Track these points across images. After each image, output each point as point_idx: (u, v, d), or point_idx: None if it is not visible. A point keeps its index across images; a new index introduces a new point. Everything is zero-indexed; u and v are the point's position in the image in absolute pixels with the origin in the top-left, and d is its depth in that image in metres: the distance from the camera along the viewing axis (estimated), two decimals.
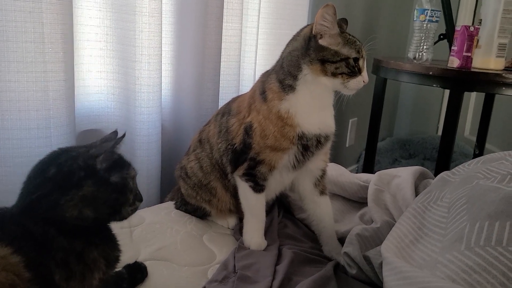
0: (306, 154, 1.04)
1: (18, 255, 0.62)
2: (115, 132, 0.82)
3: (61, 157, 0.72)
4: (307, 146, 1.02)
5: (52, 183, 0.69)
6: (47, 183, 0.70)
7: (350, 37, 1.00)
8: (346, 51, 0.97)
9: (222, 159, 1.12)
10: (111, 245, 0.78)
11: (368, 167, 2.26)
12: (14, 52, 0.99)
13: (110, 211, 0.74)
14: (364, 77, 0.99)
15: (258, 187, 1.06)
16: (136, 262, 0.90)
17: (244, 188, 1.08)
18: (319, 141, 1.03)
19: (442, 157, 1.83)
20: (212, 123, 1.18)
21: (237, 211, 1.17)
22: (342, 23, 1.04)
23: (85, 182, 0.70)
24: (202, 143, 1.19)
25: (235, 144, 1.08)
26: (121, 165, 0.76)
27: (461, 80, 1.73)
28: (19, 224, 0.67)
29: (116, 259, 0.78)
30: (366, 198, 1.24)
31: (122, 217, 0.77)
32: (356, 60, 0.97)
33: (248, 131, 1.05)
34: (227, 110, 1.16)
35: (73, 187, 0.69)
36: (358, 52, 0.98)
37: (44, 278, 0.64)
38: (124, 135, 0.77)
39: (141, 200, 0.81)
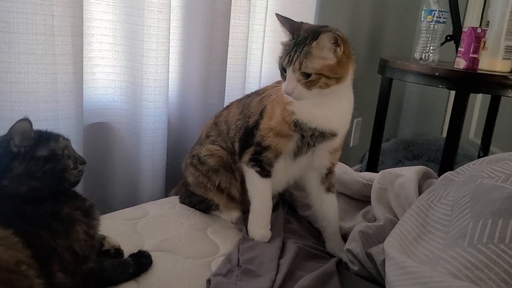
0: (304, 142, 1.06)
1: (16, 236, 0.67)
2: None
3: None
4: (303, 135, 1.05)
5: None
6: None
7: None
8: None
9: (235, 136, 1.16)
10: (79, 198, 0.87)
11: (372, 168, 2.27)
12: (24, 44, 1.00)
13: (57, 179, 0.83)
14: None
15: (264, 172, 1.09)
16: (140, 250, 0.92)
17: (251, 175, 1.10)
18: (313, 134, 1.05)
19: (446, 159, 1.83)
20: (234, 106, 1.22)
21: (242, 204, 1.18)
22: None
23: (13, 164, 0.79)
24: (218, 125, 1.23)
25: (249, 122, 1.12)
26: (46, 139, 0.85)
27: (467, 82, 1.74)
28: None
29: (91, 207, 0.86)
30: (369, 196, 1.24)
31: (71, 182, 0.86)
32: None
33: (262, 111, 1.10)
34: (254, 92, 1.21)
35: (6, 171, 0.79)
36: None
37: (40, 251, 0.69)
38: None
39: (83, 162, 0.89)
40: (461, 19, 2.15)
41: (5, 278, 0.61)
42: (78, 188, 0.92)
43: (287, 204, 1.32)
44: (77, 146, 1.08)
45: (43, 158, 0.82)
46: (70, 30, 1.06)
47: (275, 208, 1.22)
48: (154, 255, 0.93)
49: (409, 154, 2.89)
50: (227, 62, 1.53)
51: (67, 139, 0.89)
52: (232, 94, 1.60)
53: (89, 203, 0.87)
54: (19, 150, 0.80)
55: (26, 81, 1.02)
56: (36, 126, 1.05)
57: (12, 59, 0.99)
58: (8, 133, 0.81)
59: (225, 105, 1.51)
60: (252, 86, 1.71)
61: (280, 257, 0.99)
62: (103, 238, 0.92)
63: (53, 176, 0.83)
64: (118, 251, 0.92)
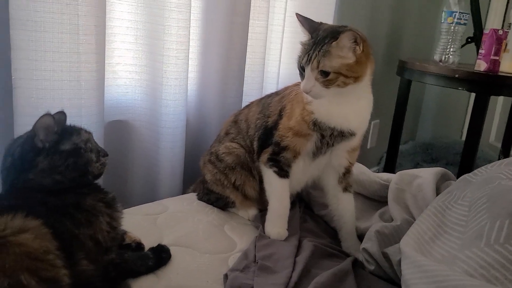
0: (324, 142, 1.07)
1: (45, 227, 0.70)
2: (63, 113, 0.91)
3: (13, 147, 0.85)
4: (322, 134, 1.06)
5: (14, 170, 0.82)
6: (11, 171, 0.83)
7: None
8: None
9: (255, 135, 1.17)
10: (102, 191, 0.89)
11: (389, 170, 2.25)
12: (50, 42, 1.03)
13: (80, 172, 0.86)
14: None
15: (282, 172, 1.10)
16: (159, 244, 0.94)
17: (269, 175, 1.11)
18: (332, 134, 1.05)
19: (465, 162, 1.81)
20: (255, 105, 1.24)
21: (259, 202, 1.20)
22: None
23: (38, 159, 0.82)
24: (237, 123, 1.25)
25: (269, 122, 1.14)
26: (69, 133, 0.87)
27: (487, 84, 1.72)
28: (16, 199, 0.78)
29: (114, 199, 0.88)
30: (387, 197, 1.24)
31: (95, 174, 0.89)
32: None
33: (281, 111, 1.11)
34: (274, 92, 1.23)
35: (31, 166, 0.81)
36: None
37: (66, 241, 0.72)
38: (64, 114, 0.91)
39: (105, 155, 0.91)
40: (483, 21, 2.12)
41: (33, 266, 0.63)
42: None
43: (304, 202, 1.32)
44: (98, 142, 1.11)
45: (66, 152, 0.84)
46: (94, 29, 1.09)
47: (291, 206, 1.23)
48: (173, 250, 0.95)
49: (428, 157, 2.86)
50: (246, 62, 1.55)
51: (89, 132, 0.92)
52: (250, 94, 1.61)
53: (111, 195, 0.89)
54: (43, 145, 0.83)
55: (51, 78, 1.06)
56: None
57: (38, 57, 1.03)
58: (33, 129, 0.84)
59: (243, 105, 1.53)
60: (270, 86, 1.73)
61: (296, 255, 0.99)
62: (124, 232, 0.95)
63: (76, 169, 0.85)
64: (139, 245, 0.94)
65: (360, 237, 1.12)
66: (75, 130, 0.89)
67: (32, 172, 0.82)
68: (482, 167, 0.99)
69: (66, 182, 0.83)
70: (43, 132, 0.83)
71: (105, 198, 0.87)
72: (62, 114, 0.90)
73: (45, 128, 0.83)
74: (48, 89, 1.06)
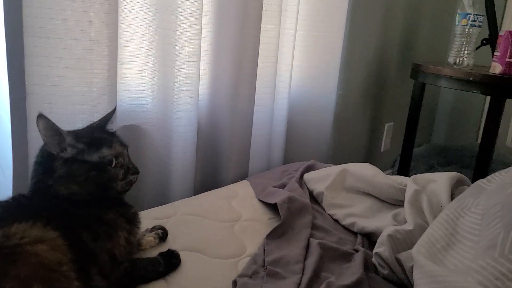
0: None
1: (62, 238, 0.69)
2: (114, 109, 0.90)
3: (39, 150, 0.84)
4: None
5: (37, 172, 0.82)
6: (36, 172, 0.82)
7: None
8: None
9: None
10: (125, 206, 0.86)
11: (403, 173, 2.23)
12: (63, 49, 1.04)
13: (100, 187, 0.82)
14: None
15: None
16: (169, 249, 0.94)
17: None
18: None
19: (481, 166, 1.79)
20: None
21: None
22: None
23: (54, 165, 0.79)
24: None
25: None
26: (99, 144, 0.83)
27: (503, 87, 1.69)
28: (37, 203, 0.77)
29: (135, 215, 0.86)
30: (399, 200, 1.22)
31: (118, 191, 0.85)
32: None
33: None
34: None
35: (50, 171, 0.79)
36: None
37: (81, 254, 0.71)
38: (114, 110, 0.91)
39: (135, 172, 0.87)
40: (498, 23, 2.09)
41: (47, 277, 0.63)
42: None
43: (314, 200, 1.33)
44: None
45: (89, 164, 0.80)
46: (106, 36, 1.10)
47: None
48: (182, 255, 0.95)
49: (443, 160, 2.82)
50: (257, 67, 1.54)
51: (126, 146, 0.87)
52: (262, 98, 1.61)
53: (133, 210, 0.87)
54: (65, 152, 0.80)
55: (64, 84, 1.07)
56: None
57: (52, 63, 1.04)
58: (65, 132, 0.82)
59: (254, 110, 1.53)
60: (282, 90, 1.72)
61: (305, 257, 0.99)
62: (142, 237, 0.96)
63: (97, 183, 0.82)
64: (162, 227, 1.00)
65: (370, 236, 1.13)
66: (108, 142, 0.84)
67: (52, 178, 0.79)
68: (496, 173, 0.98)
69: (83, 195, 0.80)
70: (76, 138, 0.81)
71: (127, 214, 0.85)
72: (112, 112, 0.89)
73: (43, 130, 0.80)
74: (61, 95, 1.07)
